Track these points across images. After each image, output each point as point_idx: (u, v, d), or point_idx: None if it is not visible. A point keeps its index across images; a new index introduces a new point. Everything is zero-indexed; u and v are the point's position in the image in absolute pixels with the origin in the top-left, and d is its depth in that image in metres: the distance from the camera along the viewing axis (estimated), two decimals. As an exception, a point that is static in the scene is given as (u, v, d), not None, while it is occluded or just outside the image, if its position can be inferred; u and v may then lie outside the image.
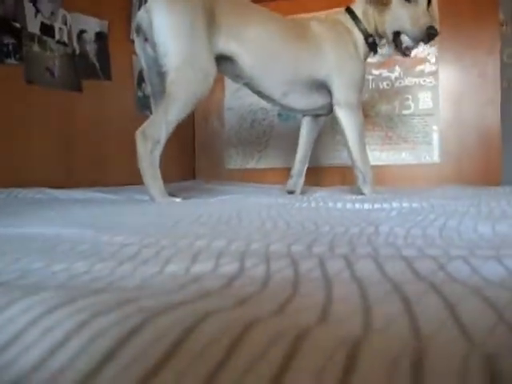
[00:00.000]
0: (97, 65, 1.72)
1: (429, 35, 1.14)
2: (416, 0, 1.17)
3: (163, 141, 1.09)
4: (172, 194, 1.20)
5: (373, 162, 2.07)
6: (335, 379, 0.10)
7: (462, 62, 2.02)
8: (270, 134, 2.30)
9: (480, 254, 0.27)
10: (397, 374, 0.10)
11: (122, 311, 0.14)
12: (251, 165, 2.34)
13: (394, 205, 0.69)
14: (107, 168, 1.74)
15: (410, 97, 2.11)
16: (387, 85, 2.14)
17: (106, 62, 1.76)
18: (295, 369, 0.10)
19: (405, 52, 1.23)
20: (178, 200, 1.06)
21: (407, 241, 0.34)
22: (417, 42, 1.19)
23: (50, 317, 0.13)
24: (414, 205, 0.68)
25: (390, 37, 1.23)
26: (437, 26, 1.19)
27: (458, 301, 0.17)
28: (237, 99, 2.33)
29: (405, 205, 0.69)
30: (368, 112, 2.15)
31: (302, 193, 1.51)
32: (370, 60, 2.02)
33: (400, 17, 1.19)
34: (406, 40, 1.20)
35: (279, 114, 2.27)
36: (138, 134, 1.06)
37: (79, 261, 0.26)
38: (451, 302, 0.17)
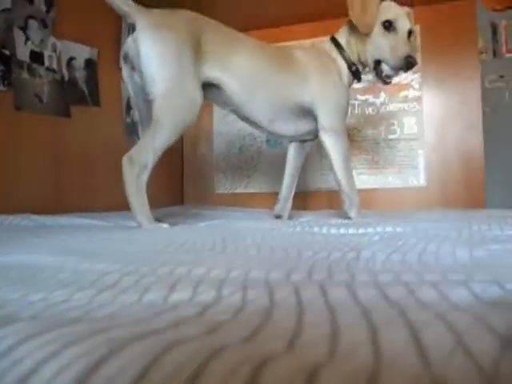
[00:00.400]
0: (86, 91, 1.74)
1: (407, 64, 1.17)
2: (396, 30, 1.21)
3: (150, 166, 1.09)
4: (159, 220, 1.19)
5: (360, 186, 2.10)
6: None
7: (445, 88, 2.08)
8: (258, 159, 2.33)
9: (451, 280, 0.27)
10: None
11: (92, 341, 0.14)
12: (240, 189, 2.35)
13: (378, 229, 0.70)
14: (96, 193, 1.73)
15: (395, 122, 2.16)
16: (373, 110, 2.19)
17: (94, 89, 1.78)
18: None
19: (385, 80, 1.26)
20: (164, 226, 1.06)
21: (385, 266, 0.35)
22: (396, 70, 1.22)
23: (21, 348, 0.14)
24: (398, 229, 0.69)
25: (372, 65, 1.26)
26: (416, 56, 1.23)
27: (423, 327, 0.17)
28: (225, 125, 2.36)
29: (388, 229, 0.70)
30: (354, 137, 2.19)
31: (290, 217, 1.51)
32: (355, 86, 2.08)
33: (380, 46, 1.23)
34: (386, 69, 1.23)
35: (267, 140, 2.30)
36: (125, 159, 1.06)
37: (58, 290, 0.26)
38: (416, 328, 0.17)
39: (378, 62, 1.25)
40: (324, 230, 0.73)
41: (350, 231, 0.71)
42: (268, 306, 0.21)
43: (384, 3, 1.25)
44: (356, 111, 2.21)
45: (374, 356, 0.15)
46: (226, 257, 0.42)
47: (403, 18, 1.23)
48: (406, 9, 1.28)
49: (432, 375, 0.12)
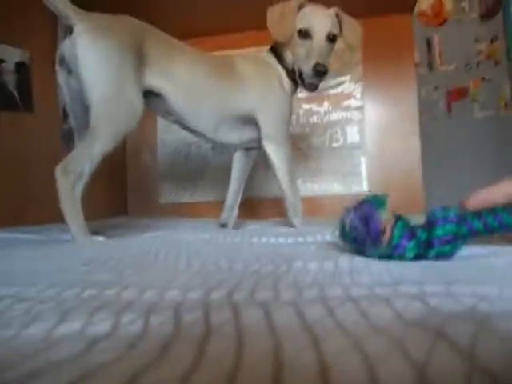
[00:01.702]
0: (17, 96, 1.63)
1: (316, 72, 1.14)
2: (311, 37, 1.18)
3: (87, 175, 1.04)
4: (97, 232, 1.13)
5: (307, 194, 2.12)
6: None
7: (385, 98, 2.16)
8: (205, 167, 2.29)
9: (376, 293, 0.26)
10: None
11: None
12: (185, 199, 2.30)
13: (318, 238, 0.69)
14: (32, 207, 1.62)
15: (338, 130, 2.20)
16: (317, 118, 2.22)
17: (27, 94, 1.67)
18: None
19: (309, 88, 1.22)
20: (100, 239, 1.01)
21: (316, 279, 0.33)
22: (309, 78, 1.18)
23: None
24: (336, 238, 0.68)
25: (297, 73, 1.23)
26: (327, 63, 1.17)
27: (336, 357, 0.15)
28: (169, 132, 2.31)
29: (327, 238, 0.69)
30: (300, 145, 2.21)
31: (236, 226, 1.49)
32: (300, 95, 2.10)
33: (297, 55, 1.21)
34: (306, 76, 1.19)
35: (212, 148, 2.27)
36: (58, 168, 1.01)
37: None
38: (327, 359, 0.15)
39: (300, 71, 1.21)
40: (263, 240, 0.71)
41: (289, 241, 0.69)
42: (169, 336, 0.19)
43: (303, 9, 1.21)
44: (301, 120, 2.23)
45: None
46: (148, 274, 0.39)
47: (319, 23, 1.18)
48: (331, 10, 1.22)
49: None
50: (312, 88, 1.22)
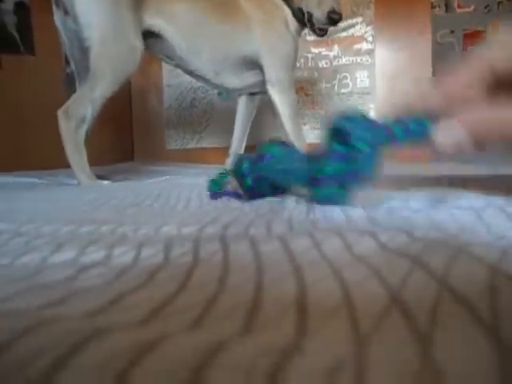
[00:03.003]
0: (17, 37, 1.59)
1: (330, 19, 1.11)
2: None
3: (89, 119, 1.04)
4: (102, 177, 1.15)
5: (314, 141, 2.10)
6: None
7: (396, 42, 2.07)
8: (211, 112, 2.26)
9: (369, 229, 0.26)
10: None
11: None
12: (192, 145, 2.29)
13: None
14: (34, 151, 1.63)
15: (348, 75, 2.14)
16: (326, 63, 2.16)
17: (28, 35, 1.63)
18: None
19: (318, 33, 1.19)
20: (105, 182, 1.02)
21: (309, 215, 0.34)
22: (321, 24, 1.15)
23: None
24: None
25: (306, 16, 1.19)
26: (340, 9, 1.13)
27: (313, 283, 0.16)
28: (175, 76, 2.26)
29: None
30: (309, 91, 2.16)
31: (241, 172, 1.49)
32: (308, 38, 2.03)
33: None
34: (317, 21, 1.16)
35: (219, 93, 2.23)
36: (60, 112, 1.01)
37: None
38: (305, 285, 0.16)
39: (310, 13, 1.18)
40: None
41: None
42: (158, 265, 0.19)
43: None
44: (309, 64, 2.17)
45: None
46: (147, 213, 0.39)
47: None
48: None
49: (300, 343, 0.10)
50: (322, 33, 1.19)
